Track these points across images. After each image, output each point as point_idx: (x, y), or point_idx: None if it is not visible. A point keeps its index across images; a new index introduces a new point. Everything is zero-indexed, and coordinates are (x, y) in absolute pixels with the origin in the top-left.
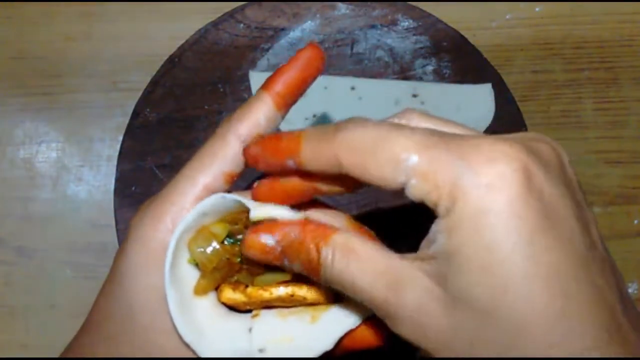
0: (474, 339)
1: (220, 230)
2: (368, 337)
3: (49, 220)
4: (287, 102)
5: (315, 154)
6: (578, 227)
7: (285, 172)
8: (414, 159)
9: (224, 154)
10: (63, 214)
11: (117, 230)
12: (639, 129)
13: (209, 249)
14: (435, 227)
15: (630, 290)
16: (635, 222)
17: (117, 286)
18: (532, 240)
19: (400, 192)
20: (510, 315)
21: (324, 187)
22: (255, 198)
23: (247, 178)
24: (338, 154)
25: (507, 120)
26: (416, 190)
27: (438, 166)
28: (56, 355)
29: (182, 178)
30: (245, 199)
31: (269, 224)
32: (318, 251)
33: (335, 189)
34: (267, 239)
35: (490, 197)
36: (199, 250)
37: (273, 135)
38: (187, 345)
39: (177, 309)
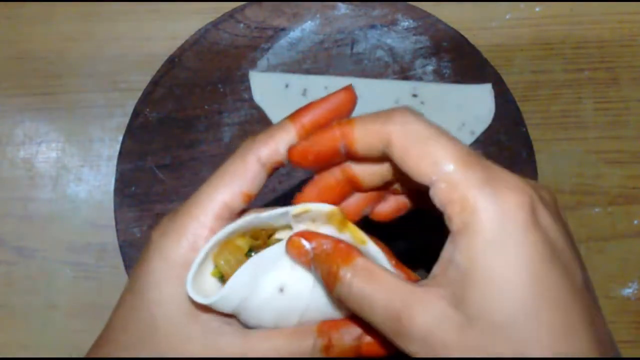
0: (484, 351)
1: (244, 244)
2: (376, 350)
3: (49, 220)
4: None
5: (368, 132)
6: (575, 260)
7: (330, 165)
8: (450, 166)
9: (243, 174)
10: (63, 214)
11: (117, 230)
12: (639, 129)
13: (233, 261)
14: (450, 247)
15: (630, 290)
16: (636, 222)
17: (138, 297)
18: (542, 267)
19: (425, 190)
20: (520, 332)
21: (365, 178)
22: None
23: (262, 199)
24: (392, 132)
25: (507, 120)
26: (442, 194)
27: (469, 181)
28: (56, 355)
29: (203, 194)
30: (279, 209)
31: (310, 232)
32: (338, 266)
33: (375, 181)
34: (306, 243)
35: (508, 224)
36: (223, 262)
37: (323, 129)
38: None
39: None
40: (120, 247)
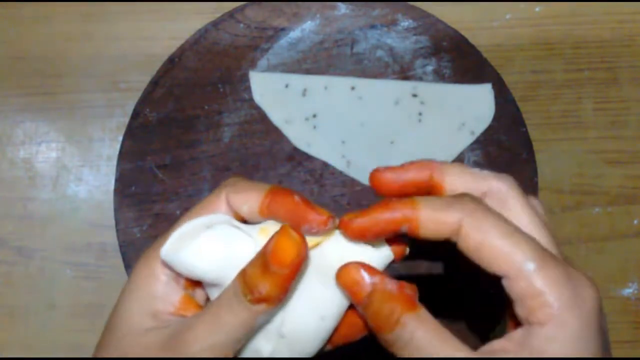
0: None
1: None
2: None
3: (49, 220)
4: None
5: (436, 219)
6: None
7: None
8: (531, 266)
9: (215, 209)
10: (63, 214)
11: (117, 230)
12: (639, 129)
13: None
14: (524, 333)
15: (630, 291)
16: (636, 222)
17: (112, 314)
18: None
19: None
20: None
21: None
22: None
23: None
24: (463, 224)
25: (507, 120)
26: (520, 289)
27: (549, 280)
28: (56, 355)
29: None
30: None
31: (369, 266)
32: (402, 311)
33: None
34: (366, 276)
35: (590, 323)
36: None
37: (382, 204)
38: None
39: None
40: (120, 247)
